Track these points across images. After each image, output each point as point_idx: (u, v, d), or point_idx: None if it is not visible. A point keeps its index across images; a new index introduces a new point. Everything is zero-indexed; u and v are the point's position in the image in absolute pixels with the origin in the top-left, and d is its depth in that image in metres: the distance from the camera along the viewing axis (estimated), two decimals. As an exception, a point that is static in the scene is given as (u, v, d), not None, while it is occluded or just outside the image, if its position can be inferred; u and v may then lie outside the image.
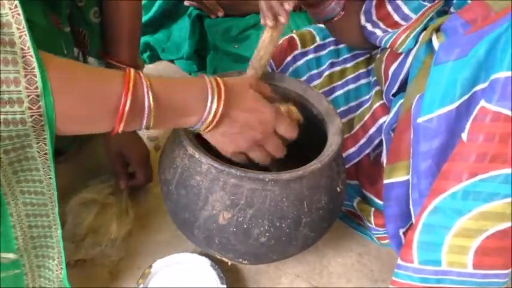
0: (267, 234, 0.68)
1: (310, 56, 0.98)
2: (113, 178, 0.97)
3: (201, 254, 0.84)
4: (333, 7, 0.84)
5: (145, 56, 1.38)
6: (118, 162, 0.96)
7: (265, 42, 0.76)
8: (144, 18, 1.29)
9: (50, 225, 0.63)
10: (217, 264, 0.82)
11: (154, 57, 1.39)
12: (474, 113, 0.61)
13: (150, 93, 0.56)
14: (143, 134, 1.02)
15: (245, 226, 0.67)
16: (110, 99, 0.55)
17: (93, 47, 0.91)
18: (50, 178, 0.58)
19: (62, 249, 0.64)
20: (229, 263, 0.81)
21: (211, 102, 0.61)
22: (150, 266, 0.82)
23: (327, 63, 0.98)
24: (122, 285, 0.84)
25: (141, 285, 0.79)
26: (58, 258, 0.66)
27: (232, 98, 0.63)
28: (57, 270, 0.66)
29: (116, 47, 0.91)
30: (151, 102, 0.56)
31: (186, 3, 1.31)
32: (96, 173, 1.00)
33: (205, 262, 0.82)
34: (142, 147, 0.99)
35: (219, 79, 0.63)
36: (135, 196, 0.98)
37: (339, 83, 0.97)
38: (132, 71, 0.57)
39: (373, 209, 0.90)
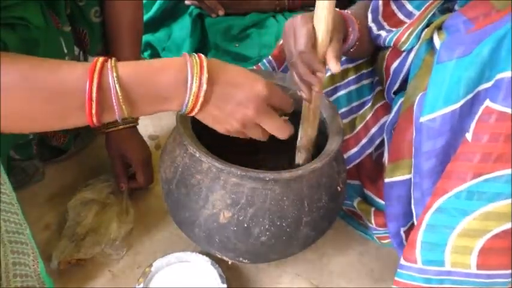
0: (268, 233, 0.68)
1: None
2: (112, 177, 0.97)
3: (202, 253, 0.84)
4: (349, 44, 0.81)
5: (146, 55, 1.37)
6: (119, 164, 0.95)
7: (309, 118, 0.74)
8: (145, 17, 1.29)
9: (21, 222, 0.65)
10: (218, 263, 0.82)
11: (155, 56, 1.39)
12: (479, 113, 0.61)
13: (117, 87, 0.53)
14: (144, 133, 1.02)
15: (245, 225, 0.67)
16: (72, 93, 0.53)
17: (94, 47, 0.91)
18: (6, 183, 0.60)
19: (34, 245, 0.66)
20: (230, 262, 0.81)
21: (191, 82, 0.56)
22: (151, 265, 0.82)
23: None
24: (122, 284, 0.84)
25: (142, 284, 0.79)
26: (33, 253, 0.67)
27: (217, 73, 0.58)
28: (33, 265, 0.67)
29: (117, 47, 0.91)
30: (118, 92, 0.54)
31: (186, 2, 1.30)
32: (96, 172, 1.00)
33: (206, 261, 0.83)
34: (144, 149, 0.98)
35: (203, 56, 0.58)
36: (135, 195, 0.98)
37: (342, 83, 0.97)
38: (100, 60, 0.54)
39: (373, 208, 0.90)
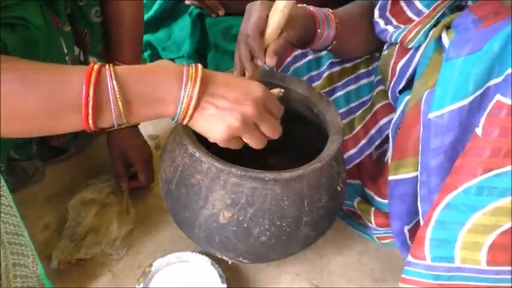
0: (268, 233, 0.68)
1: (310, 56, 0.98)
2: (113, 177, 0.97)
3: (202, 252, 0.84)
4: (323, 41, 0.82)
5: (146, 54, 1.38)
6: (120, 163, 0.96)
7: None
8: (145, 17, 1.29)
9: (20, 224, 0.65)
10: (218, 263, 0.82)
11: (155, 56, 1.39)
12: (489, 108, 0.61)
13: (114, 84, 0.54)
14: (144, 132, 1.02)
15: (245, 225, 0.67)
16: (69, 95, 0.53)
17: (94, 46, 0.91)
18: (3, 185, 0.61)
19: (32, 246, 0.67)
20: (230, 262, 0.81)
21: (186, 84, 0.56)
22: (151, 265, 0.82)
23: (327, 64, 0.98)
24: (122, 284, 0.84)
25: (142, 284, 0.79)
26: (32, 255, 0.68)
27: (211, 75, 0.59)
28: (33, 267, 0.68)
29: (117, 47, 0.91)
30: (117, 92, 0.54)
31: (187, 2, 1.30)
32: (96, 172, 1.00)
33: (206, 261, 0.83)
34: (145, 148, 0.99)
35: (199, 65, 0.59)
36: (135, 195, 0.98)
37: (339, 83, 0.97)
38: (98, 64, 0.54)
39: (373, 208, 0.90)
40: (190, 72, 0.57)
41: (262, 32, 0.70)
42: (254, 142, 0.63)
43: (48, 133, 0.58)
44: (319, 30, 0.79)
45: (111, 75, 0.54)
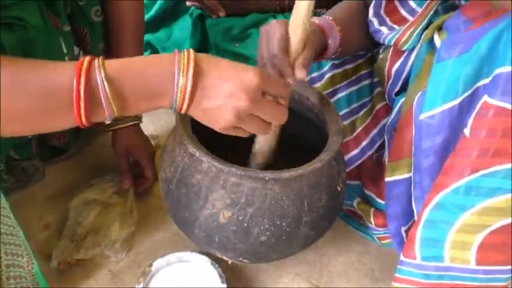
0: (267, 233, 0.68)
1: None
2: (117, 177, 0.98)
3: (201, 252, 0.84)
4: (330, 52, 0.82)
5: (146, 54, 1.37)
6: (124, 162, 0.96)
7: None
8: (145, 17, 1.29)
9: (13, 225, 0.65)
10: (218, 263, 0.82)
11: (155, 56, 1.39)
12: (477, 108, 0.61)
13: (104, 80, 0.52)
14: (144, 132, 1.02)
15: (245, 225, 0.67)
16: (60, 93, 0.52)
17: (94, 46, 0.91)
18: None
19: (27, 246, 0.67)
20: (230, 262, 0.81)
21: (178, 76, 0.55)
22: (151, 265, 0.82)
23: (328, 65, 0.97)
24: (122, 284, 0.84)
25: (142, 284, 0.79)
26: (27, 255, 0.68)
27: (204, 66, 0.56)
28: (28, 266, 0.68)
29: (118, 46, 0.91)
30: (107, 89, 0.53)
31: (187, 3, 1.30)
32: (97, 172, 1.01)
33: (206, 261, 0.82)
34: (149, 145, 1.00)
35: (192, 51, 0.56)
36: (136, 195, 0.98)
37: (341, 85, 0.97)
38: (87, 58, 0.53)
39: (373, 209, 0.90)
40: (182, 64, 0.55)
41: (287, 50, 0.68)
42: (256, 131, 0.61)
43: (45, 131, 0.57)
44: (329, 42, 0.79)
45: (100, 72, 0.53)
